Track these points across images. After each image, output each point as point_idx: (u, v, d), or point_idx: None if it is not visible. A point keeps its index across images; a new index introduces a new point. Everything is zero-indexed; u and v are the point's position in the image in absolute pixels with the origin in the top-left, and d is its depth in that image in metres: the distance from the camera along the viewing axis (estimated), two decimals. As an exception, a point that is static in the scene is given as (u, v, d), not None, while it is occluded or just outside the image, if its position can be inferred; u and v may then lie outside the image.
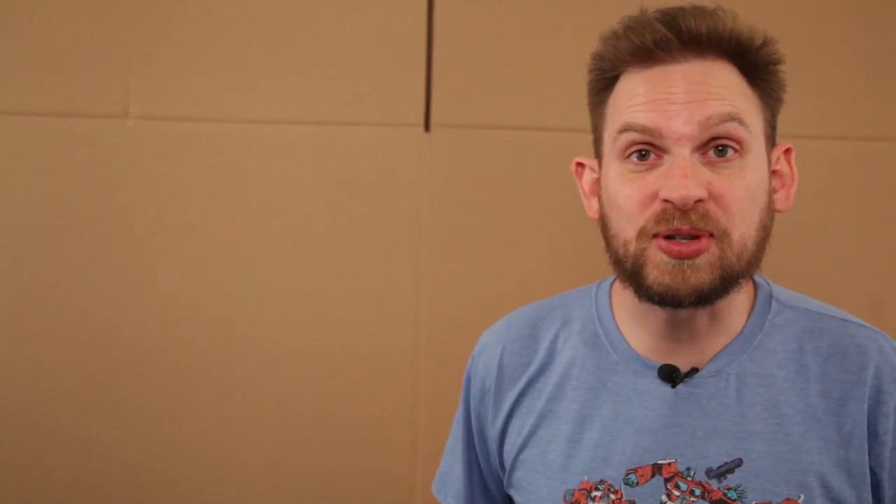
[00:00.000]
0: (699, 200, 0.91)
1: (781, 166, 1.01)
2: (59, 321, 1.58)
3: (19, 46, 1.58)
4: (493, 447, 1.10)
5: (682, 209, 0.91)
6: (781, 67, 0.98)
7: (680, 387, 0.99)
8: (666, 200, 0.92)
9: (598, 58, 0.99)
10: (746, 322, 1.01)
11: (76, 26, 1.58)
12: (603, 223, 1.00)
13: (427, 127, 1.60)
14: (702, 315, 0.98)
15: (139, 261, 1.58)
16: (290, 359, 1.61)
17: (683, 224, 0.91)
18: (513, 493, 1.08)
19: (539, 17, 1.62)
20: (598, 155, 1.01)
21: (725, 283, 0.93)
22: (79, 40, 1.58)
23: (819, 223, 1.64)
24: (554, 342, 1.08)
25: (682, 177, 0.91)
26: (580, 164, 1.05)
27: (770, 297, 1.03)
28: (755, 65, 0.96)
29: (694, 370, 0.99)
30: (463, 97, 1.61)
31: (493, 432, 1.09)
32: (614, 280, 1.05)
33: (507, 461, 1.07)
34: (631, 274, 0.95)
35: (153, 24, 1.58)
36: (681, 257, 0.92)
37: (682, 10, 0.94)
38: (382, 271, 1.59)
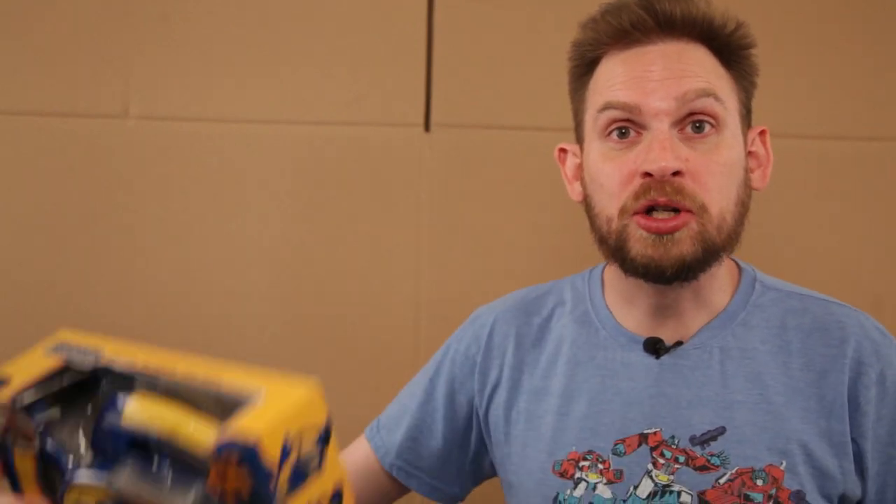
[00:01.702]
0: (676, 173, 0.95)
1: (757, 147, 1.06)
2: (59, 321, 1.58)
3: (19, 46, 1.59)
4: (463, 412, 1.13)
5: (660, 180, 0.95)
6: (754, 52, 1.04)
7: (664, 358, 1.02)
8: (645, 174, 0.96)
9: (577, 44, 1.05)
10: (730, 300, 1.05)
11: (76, 26, 1.59)
12: (587, 203, 1.04)
13: (427, 127, 1.60)
14: (686, 291, 1.02)
15: (139, 261, 1.59)
16: (290, 358, 1.61)
17: (660, 195, 0.95)
18: (502, 470, 1.10)
19: (539, 18, 1.63)
20: (580, 139, 1.08)
21: (707, 254, 0.97)
22: (79, 40, 1.59)
23: (819, 223, 1.65)
24: (548, 320, 1.12)
25: (660, 149, 0.95)
26: (563, 150, 1.10)
27: (754, 279, 1.07)
28: (728, 48, 1.02)
29: (678, 343, 1.03)
30: (463, 97, 1.62)
31: (468, 398, 1.13)
32: (606, 265, 1.10)
33: (495, 435, 1.10)
34: (615, 249, 1.00)
35: (153, 24, 1.59)
36: (660, 233, 0.96)
37: None
38: (382, 271, 1.60)
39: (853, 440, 0.98)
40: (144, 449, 0.79)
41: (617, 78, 0.99)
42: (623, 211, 0.98)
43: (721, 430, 0.98)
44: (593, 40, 1.02)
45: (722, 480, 0.97)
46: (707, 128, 0.98)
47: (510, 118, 1.63)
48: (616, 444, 1.01)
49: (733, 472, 0.97)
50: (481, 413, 1.12)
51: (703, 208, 0.96)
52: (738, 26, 1.01)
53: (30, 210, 1.59)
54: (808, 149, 1.64)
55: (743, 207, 1.01)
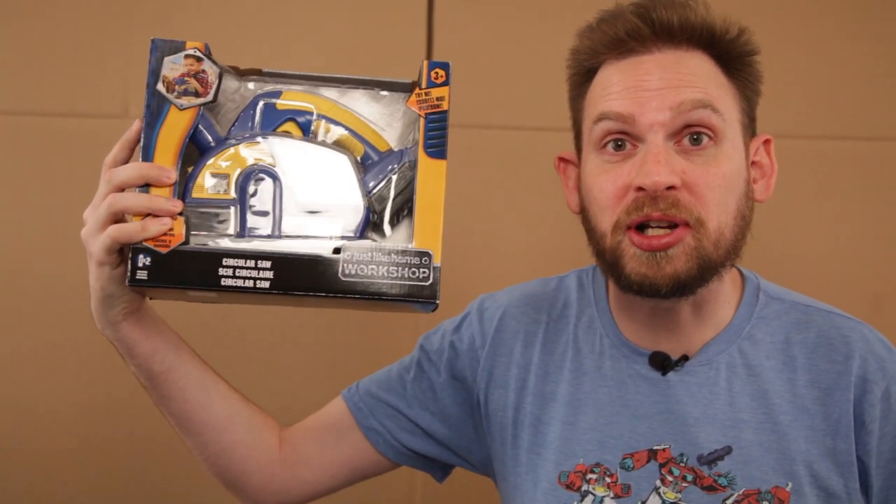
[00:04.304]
0: (671, 187, 0.93)
1: (761, 157, 1.03)
2: (59, 321, 1.59)
3: (19, 46, 1.59)
4: (455, 398, 1.12)
5: (654, 195, 0.93)
6: (757, 58, 1.01)
7: (671, 374, 1.02)
8: (639, 188, 0.94)
9: (575, 52, 1.03)
10: (735, 313, 1.04)
11: (76, 26, 1.60)
12: (583, 216, 1.02)
13: (427, 127, 1.60)
14: (684, 306, 1.01)
15: (139, 261, 1.58)
16: (291, 358, 1.61)
17: (654, 211, 0.93)
18: (504, 471, 1.10)
19: (539, 18, 1.64)
20: (579, 149, 1.04)
21: (703, 271, 0.95)
22: (79, 40, 1.60)
23: (819, 223, 1.66)
24: (556, 321, 1.10)
25: (654, 163, 0.93)
26: (563, 160, 1.07)
27: (758, 289, 1.06)
28: (729, 55, 0.99)
29: (684, 358, 1.02)
30: (463, 97, 1.61)
31: (466, 390, 1.11)
32: None
33: (501, 435, 1.09)
34: (610, 266, 0.98)
35: (153, 24, 1.59)
36: (652, 249, 0.94)
37: (654, 1, 0.97)
38: (382, 270, 1.60)
39: (858, 458, 0.98)
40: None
41: (612, 88, 0.96)
42: (616, 226, 0.96)
43: (728, 450, 0.98)
44: (590, 49, 1.00)
45: (729, 502, 0.97)
46: (705, 140, 0.95)
47: (510, 118, 1.63)
48: (624, 458, 1.00)
49: (740, 493, 0.97)
50: (482, 409, 1.11)
51: (699, 221, 0.94)
52: (740, 33, 0.98)
53: (30, 210, 1.60)
54: (808, 149, 1.65)
55: (743, 220, 0.98)
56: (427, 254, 0.89)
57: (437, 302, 0.89)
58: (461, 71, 1.63)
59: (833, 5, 1.67)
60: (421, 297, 0.88)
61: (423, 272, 0.88)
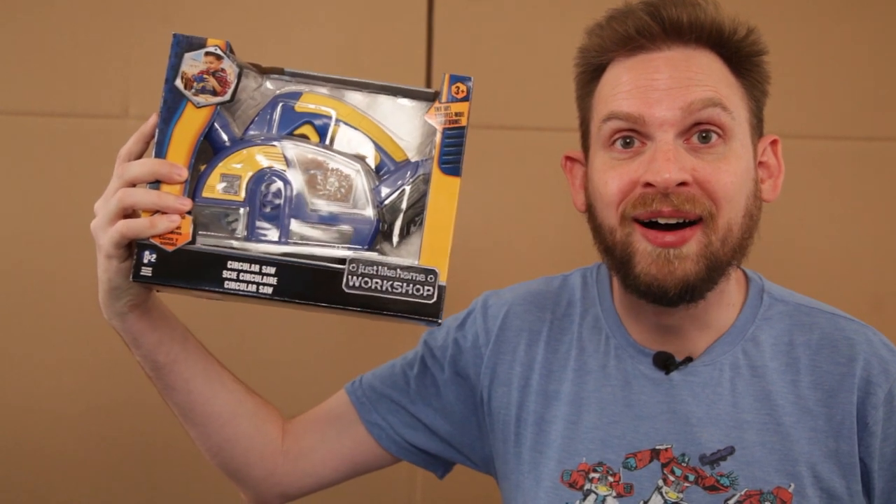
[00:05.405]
0: (682, 184, 0.94)
1: (768, 157, 1.04)
2: (59, 321, 1.59)
3: (19, 46, 1.59)
4: (458, 395, 1.12)
5: (664, 192, 0.93)
6: (766, 59, 1.01)
7: (675, 374, 1.02)
8: (648, 185, 0.94)
9: (583, 50, 1.03)
10: (739, 314, 1.04)
11: (76, 26, 1.60)
12: (589, 213, 1.03)
13: (427, 127, 1.60)
14: (691, 313, 1.01)
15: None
16: (292, 358, 1.62)
17: (664, 206, 0.94)
18: (506, 468, 1.10)
19: (539, 18, 1.64)
20: (585, 147, 1.05)
21: (711, 271, 0.96)
22: (79, 40, 1.60)
23: (819, 223, 1.66)
24: (561, 319, 1.10)
25: (664, 160, 0.93)
26: (569, 159, 1.07)
27: (762, 290, 1.06)
28: (738, 55, 0.99)
29: (688, 359, 1.02)
30: (463, 97, 1.62)
31: (469, 387, 1.12)
32: None
33: (504, 432, 1.09)
34: (620, 262, 0.98)
35: (153, 24, 1.59)
36: (665, 246, 0.95)
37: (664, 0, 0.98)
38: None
39: (861, 460, 0.98)
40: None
41: (622, 87, 0.97)
42: (623, 218, 0.96)
43: (730, 451, 0.99)
44: (599, 47, 1.00)
45: (731, 502, 0.98)
46: (714, 138, 0.95)
47: (511, 118, 1.63)
48: (627, 458, 1.01)
49: (742, 493, 0.97)
50: (485, 407, 1.11)
51: (711, 216, 0.94)
52: (748, 32, 0.98)
53: (30, 210, 1.60)
54: (809, 149, 1.65)
55: (751, 220, 0.98)
56: (433, 272, 0.88)
57: (440, 321, 0.88)
58: (461, 70, 1.64)
59: (834, 6, 1.68)
60: (424, 315, 0.88)
61: (428, 290, 0.88)
